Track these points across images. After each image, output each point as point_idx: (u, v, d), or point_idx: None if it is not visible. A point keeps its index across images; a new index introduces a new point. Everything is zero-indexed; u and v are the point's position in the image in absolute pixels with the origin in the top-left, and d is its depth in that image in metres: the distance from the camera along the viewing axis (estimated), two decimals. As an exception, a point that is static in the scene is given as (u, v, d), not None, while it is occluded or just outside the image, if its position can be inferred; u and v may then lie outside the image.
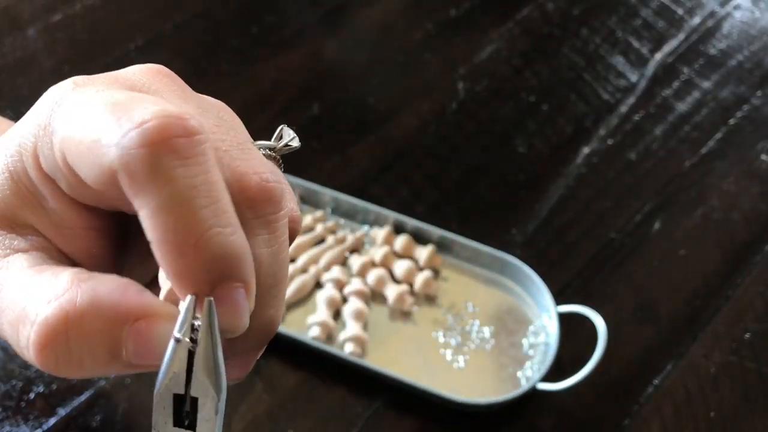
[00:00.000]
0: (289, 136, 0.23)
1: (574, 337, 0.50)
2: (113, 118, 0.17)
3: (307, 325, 0.50)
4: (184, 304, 0.18)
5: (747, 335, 0.53)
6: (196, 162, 0.17)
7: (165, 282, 0.19)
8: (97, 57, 0.65)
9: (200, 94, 0.22)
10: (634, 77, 0.68)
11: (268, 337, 0.21)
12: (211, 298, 0.18)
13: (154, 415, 0.18)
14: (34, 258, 0.20)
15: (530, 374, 0.49)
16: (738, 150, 0.64)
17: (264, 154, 0.22)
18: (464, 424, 0.48)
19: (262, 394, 0.48)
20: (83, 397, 0.47)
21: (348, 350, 0.48)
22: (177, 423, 0.18)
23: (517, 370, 0.49)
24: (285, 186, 0.20)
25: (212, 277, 0.17)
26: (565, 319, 0.50)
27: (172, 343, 0.18)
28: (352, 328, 0.49)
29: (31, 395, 0.46)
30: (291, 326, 0.50)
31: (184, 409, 0.18)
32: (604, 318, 0.47)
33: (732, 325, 0.53)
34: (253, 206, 0.19)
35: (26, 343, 0.18)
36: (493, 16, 0.72)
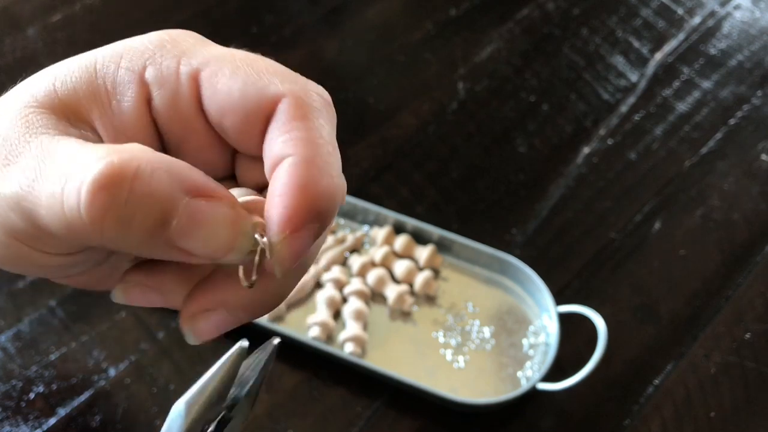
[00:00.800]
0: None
1: (574, 337, 0.50)
2: (281, 70, 0.21)
3: (307, 325, 0.50)
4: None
5: (747, 335, 0.53)
6: (332, 124, 0.21)
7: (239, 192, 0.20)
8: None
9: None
10: (634, 77, 0.68)
11: (332, 210, 0.21)
12: (276, 343, 0.20)
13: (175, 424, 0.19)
14: (86, 138, 0.20)
15: (530, 374, 0.49)
16: (738, 150, 0.64)
17: None
18: (464, 423, 0.48)
19: (262, 394, 0.48)
20: (83, 398, 0.47)
21: (348, 350, 0.48)
22: None
23: (517, 370, 0.49)
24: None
25: (316, 208, 0.19)
26: (565, 319, 0.50)
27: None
28: (352, 328, 0.49)
29: (31, 395, 0.46)
30: (291, 326, 0.50)
31: (208, 424, 0.20)
32: (604, 318, 0.47)
33: (732, 325, 0.53)
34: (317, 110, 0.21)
35: (76, 188, 0.17)
36: (493, 16, 0.72)
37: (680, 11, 0.74)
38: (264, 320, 0.49)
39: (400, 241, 0.53)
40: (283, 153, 0.19)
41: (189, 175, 0.18)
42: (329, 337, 0.50)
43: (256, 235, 0.19)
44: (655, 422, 0.48)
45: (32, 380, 0.47)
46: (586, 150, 0.62)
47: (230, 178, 0.23)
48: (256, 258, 0.19)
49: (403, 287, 0.51)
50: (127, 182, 0.17)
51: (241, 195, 0.20)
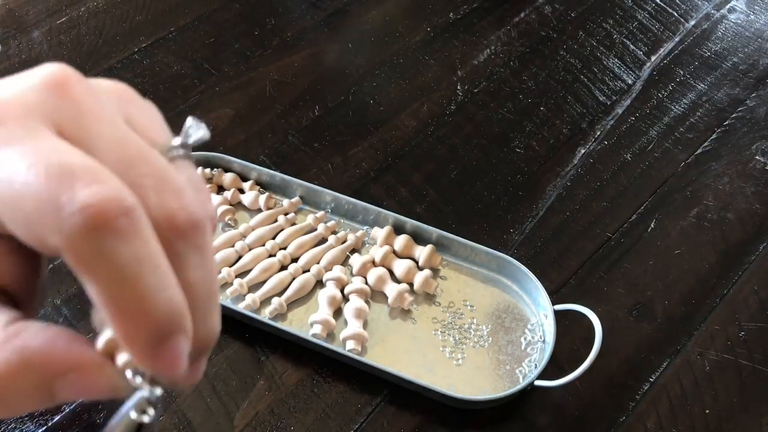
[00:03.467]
0: (197, 131, 0.22)
1: (571, 334, 0.51)
2: (54, 195, 0.18)
3: (309, 323, 0.50)
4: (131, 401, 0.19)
5: (742, 333, 0.53)
6: (136, 237, 0.18)
7: (102, 328, 0.20)
8: (102, 59, 0.66)
9: (98, 93, 0.21)
10: (629, 79, 0.69)
11: (214, 342, 0.22)
12: (159, 395, 0.19)
13: None
14: None
15: (527, 371, 0.49)
16: (732, 151, 0.64)
17: (177, 155, 0.22)
18: (463, 420, 0.48)
19: (264, 391, 0.48)
20: (88, 394, 0.47)
21: (349, 348, 0.49)
22: None
23: (515, 367, 0.50)
24: (205, 201, 0.21)
25: (160, 334, 0.19)
26: (561, 317, 0.50)
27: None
28: (352, 326, 0.50)
29: (37, 392, 0.47)
30: (293, 324, 0.50)
31: None
32: (600, 316, 0.48)
33: (727, 323, 0.54)
34: (184, 238, 0.20)
35: None
36: (491, 20, 0.72)
37: (675, 14, 0.75)
38: (266, 318, 0.50)
39: (400, 241, 0.54)
40: (95, 302, 0.19)
41: (50, 359, 0.19)
42: (330, 335, 0.50)
43: (129, 374, 0.19)
44: (650, 419, 0.49)
45: (38, 377, 0.48)
46: (582, 151, 0.63)
47: None
48: (142, 388, 0.19)
49: (403, 286, 0.52)
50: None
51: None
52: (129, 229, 0.18)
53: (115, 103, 0.21)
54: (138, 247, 0.18)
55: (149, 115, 0.22)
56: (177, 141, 0.22)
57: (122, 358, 0.19)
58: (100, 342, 0.20)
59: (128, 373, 0.19)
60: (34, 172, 0.18)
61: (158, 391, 0.19)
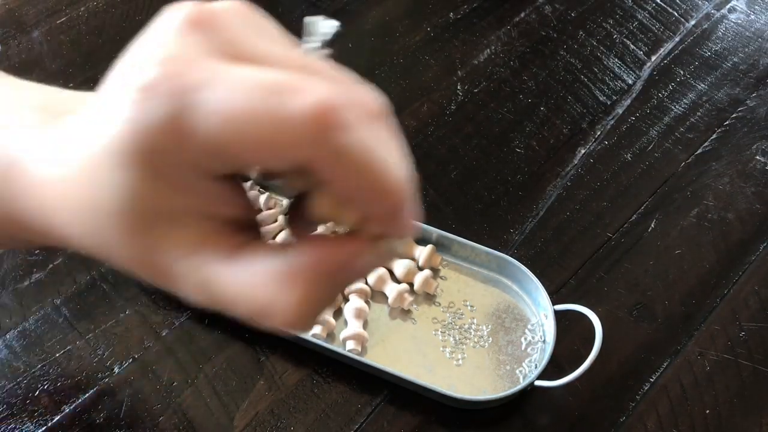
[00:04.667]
0: (326, 27, 0.23)
1: (571, 334, 0.51)
2: (289, 117, 0.19)
3: (308, 323, 0.50)
4: None
5: (742, 333, 0.53)
6: (356, 127, 0.20)
7: (343, 217, 0.22)
8: (102, 59, 0.66)
9: (233, 15, 0.23)
10: (630, 79, 0.69)
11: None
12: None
13: None
14: (215, 248, 0.22)
15: (528, 371, 0.49)
16: (733, 151, 0.64)
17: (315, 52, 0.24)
18: (463, 420, 0.48)
19: (264, 391, 0.48)
20: (88, 394, 0.47)
21: (349, 348, 0.49)
22: None
23: (515, 368, 0.50)
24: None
25: (401, 203, 0.22)
26: (562, 317, 0.50)
27: None
28: (352, 326, 0.50)
29: (37, 392, 0.47)
30: (292, 324, 0.50)
31: None
32: (600, 316, 0.48)
33: (727, 324, 0.54)
34: (380, 121, 0.22)
35: (280, 326, 0.22)
36: (491, 20, 0.72)
37: (676, 14, 0.75)
38: (266, 318, 0.50)
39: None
40: (342, 197, 0.22)
41: (338, 263, 0.22)
42: (330, 335, 0.50)
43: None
44: (650, 419, 0.49)
45: (37, 378, 0.48)
46: (582, 151, 0.63)
47: None
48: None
49: (403, 286, 0.52)
50: (313, 312, 0.22)
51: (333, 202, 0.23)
52: (352, 121, 0.20)
53: (247, 20, 0.23)
54: (363, 132, 0.20)
55: (272, 25, 0.24)
56: (311, 43, 0.23)
57: (375, 230, 0.22)
58: (348, 226, 0.22)
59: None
60: (257, 99, 0.19)
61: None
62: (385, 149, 0.21)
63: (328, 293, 0.22)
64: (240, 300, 0.22)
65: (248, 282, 0.21)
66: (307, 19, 0.23)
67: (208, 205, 0.22)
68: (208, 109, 0.19)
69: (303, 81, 0.20)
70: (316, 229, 0.24)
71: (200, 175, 0.21)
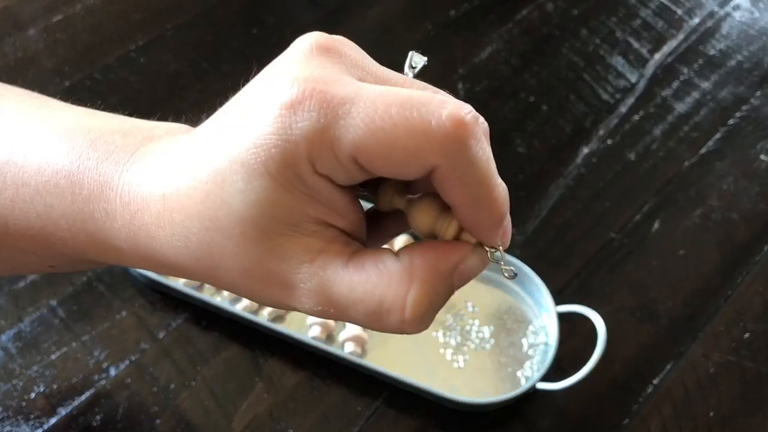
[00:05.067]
0: (419, 60, 0.27)
1: (574, 336, 0.50)
2: (426, 126, 0.22)
3: (308, 325, 0.50)
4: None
5: (746, 335, 0.53)
6: (484, 141, 0.23)
7: (443, 228, 0.25)
8: (98, 58, 0.65)
9: (348, 48, 0.26)
10: (633, 77, 0.68)
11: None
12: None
13: None
14: (335, 253, 0.24)
15: (530, 374, 0.49)
16: (737, 150, 0.64)
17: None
18: (464, 423, 0.48)
19: (262, 394, 0.48)
20: (84, 397, 0.47)
21: (348, 350, 0.48)
22: None
23: (517, 370, 0.49)
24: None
25: (504, 215, 0.24)
26: (564, 319, 0.50)
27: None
28: (352, 327, 0.49)
29: (32, 395, 0.47)
30: (291, 326, 0.50)
31: None
32: (603, 318, 0.47)
33: (731, 325, 0.53)
34: (486, 140, 0.25)
35: (397, 324, 0.24)
36: (492, 17, 0.72)
37: (679, 12, 0.74)
38: (264, 320, 0.49)
39: (400, 241, 0.54)
40: (453, 202, 0.24)
41: (448, 262, 0.24)
42: (329, 337, 0.50)
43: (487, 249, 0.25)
44: (654, 422, 0.48)
45: (33, 380, 0.47)
46: (585, 150, 0.63)
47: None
48: (499, 255, 0.25)
49: (403, 287, 0.51)
50: (430, 308, 0.24)
51: (433, 214, 0.25)
52: (481, 134, 0.23)
53: (360, 50, 0.26)
54: (487, 147, 0.23)
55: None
56: (409, 73, 0.27)
57: (472, 240, 0.25)
58: (448, 238, 0.25)
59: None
60: (399, 109, 0.22)
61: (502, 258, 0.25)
62: (495, 171, 0.24)
63: (443, 292, 0.24)
64: (359, 300, 0.23)
65: (368, 281, 0.23)
66: (410, 54, 0.27)
67: (332, 214, 0.24)
68: (354, 122, 0.22)
69: (435, 97, 0.22)
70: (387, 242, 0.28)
71: (332, 185, 0.23)
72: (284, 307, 0.25)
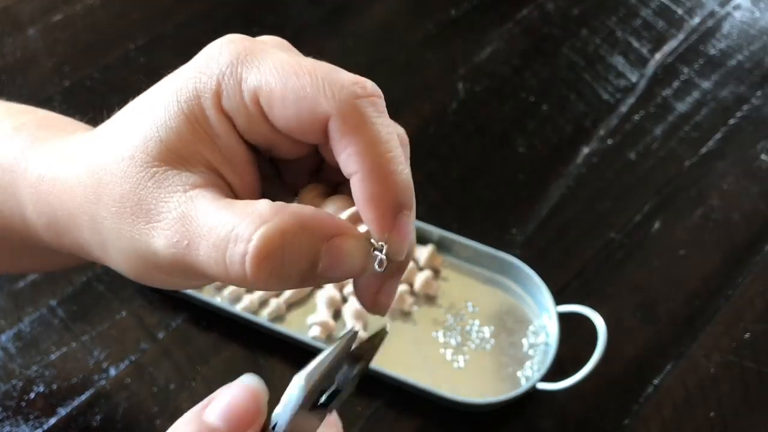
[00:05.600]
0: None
1: (574, 336, 0.50)
2: (327, 79, 0.23)
3: (308, 325, 0.50)
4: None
5: (747, 335, 0.53)
6: (385, 115, 0.23)
7: (342, 212, 0.24)
8: (98, 57, 0.65)
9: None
10: (634, 77, 0.68)
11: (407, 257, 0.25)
12: (356, 330, 0.24)
13: (290, 401, 0.23)
14: (212, 193, 0.23)
15: (530, 374, 0.49)
16: (738, 150, 0.64)
17: None
18: (464, 423, 0.48)
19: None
20: (83, 397, 0.47)
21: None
22: (312, 407, 0.24)
23: (517, 370, 0.49)
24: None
25: (400, 204, 0.23)
26: (565, 319, 0.50)
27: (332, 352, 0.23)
28: (352, 327, 0.49)
29: (32, 395, 0.47)
30: (291, 326, 0.50)
31: (321, 397, 0.24)
32: (603, 318, 0.47)
33: (732, 325, 0.53)
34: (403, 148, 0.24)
35: (239, 258, 0.21)
36: (493, 17, 0.72)
37: (680, 11, 0.74)
38: (264, 320, 0.49)
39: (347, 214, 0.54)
40: (348, 170, 0.23)
41: (321, 223, 0.22)
42: (329, 337, 0.50)
43: (373, 241, 0.23)
44: (654, 422, 0.48)
45: (33, 380, 0.47)
46: (585, 150, 0.63)
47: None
48: (382, 255, 0.23)
49: (403, 287, 0.51)
50: (279, 250, 0.21)
51: (340, 206, 0.24)
52: (383, 108, 0.23)
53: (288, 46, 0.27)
54: (388, 122, 0.23)
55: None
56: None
57: (361, 229, 0.23)
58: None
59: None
60: (309, 63, 0.23)
61: (385, 263, 0.23)
62: (400, 153, 0.23)
63: (300, 248, 0.22)
64: (213, 227, 0.22)
65: (230, 212, 0.22)
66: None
67: (225, 165, 0.24)
68: (264, 66, 0.23)
69: (347, 73, 0.23)
70: None
71: (233, 132, 0.23)
72: (142, 250, 0.24)
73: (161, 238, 0.23)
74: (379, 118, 0.23)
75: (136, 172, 0.23)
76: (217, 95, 0.23)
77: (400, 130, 0.25)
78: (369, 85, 0.23)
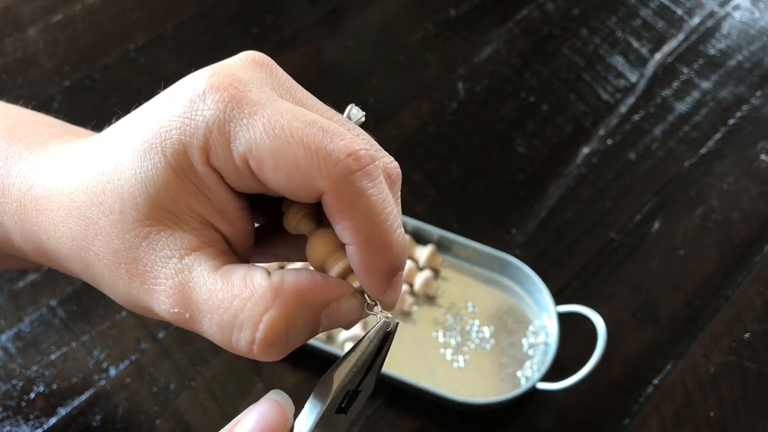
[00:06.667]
0: (357, 114, 0.26)
1: (574, 336, 0.50)
2: (321, 153, 0.22)
3: (307, 325, 0.50)
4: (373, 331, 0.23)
5: (746, 335, 0.53)
6: (379, 181, 0.23)
7: (332, 265, 0.24)
8: (98, 57, 0.65)
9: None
10: (633, 77, 0.68)
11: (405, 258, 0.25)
12: (386, 319, 0.23)
13: (317, 405, 0.23)
14: (208, 259, 0.23)
15: (530, 374, 0.49)
16: (737, 150, 0.64)
17: None
18: (464, 423, 0.48)
19: (262, 394, 0.48)
20: (83, 397, 0.47)
21: (348, 350, 0.48)
22: (338, 410, 0.23)
23: (517, 370, 0.49)
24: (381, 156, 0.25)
25: (396, 267, 0.23)
26: (564, 319, 0.50)
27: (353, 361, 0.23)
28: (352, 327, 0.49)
29: (32, 395, 0.47)
30: (291, 326, 0.50)
31: (345, 399, 0.24)
32: (603, 318, 0.47)
33: (731, 325, 0.53)
34: (393, 186, 0.24)
35: (245, 344, 0.22)
36: (492, 17, 0.72)
37: (680, 12, 0.74)
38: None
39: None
40: (344, 239, 0.23)
41: (320, 295, 0.23)
42: (329, 337, 0.50)
43: (368, 298, 0.24)
44: (654, 422, 0.48)
45: (33, 380, 0.47)
46: (585, 150, 0.63)
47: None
48: (377, 312, 0.24)
49: (404, 287, 0.51)
50: (285, 334, 0.22)
51: (329, 248, 0.24)
52: (377, 174, 0.22)
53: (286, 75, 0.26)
54: (383, 189, 0.23)
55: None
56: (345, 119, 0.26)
57: (355, 283, 0.23)
58: (333, 274, 0.23)
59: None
60: (302, 126, 0.22)
61: (388, 314, 0.24)
62: (396, 213, 0.23)
63: (305, 324, 0.22)
64: (216, 307, 0.22)
65: (230, 291, 0.22)
66: (350, 106, 0.26)
67: (217, 216, 0.23)
68: (254, 124, 0.22)
69: (340, 129, 0.23)
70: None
71: (223, 185, 0.23)
72: (141, 305, 0.24)
73: (161, 304, 0.23)
74: (375, 188, 0.22)
75: (127, 230, 0.23)
76: (205, 151, 0.22)
77: (388, 160, 0.24)
78: (363, 154, 0.22)
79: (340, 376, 0.23)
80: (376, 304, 0.23)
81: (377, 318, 0.23)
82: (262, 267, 0.23)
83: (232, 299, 0.22)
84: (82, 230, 0.24)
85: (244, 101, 0.22)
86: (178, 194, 0.23)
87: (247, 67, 0.24)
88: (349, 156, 0.22)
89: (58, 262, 0.26)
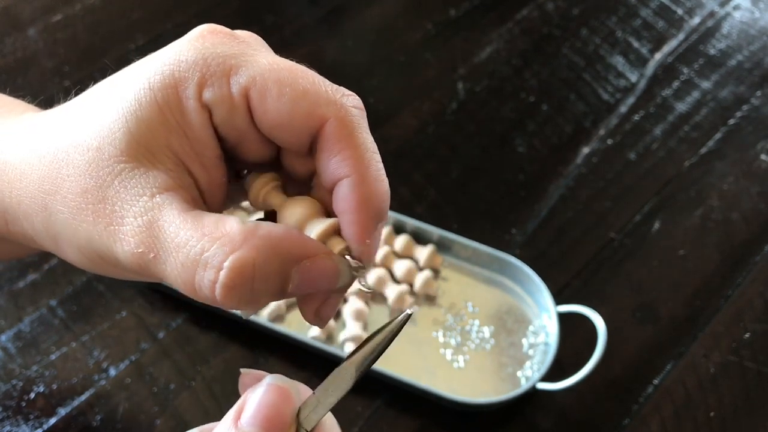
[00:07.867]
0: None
1: (574, 336, 0.50)
2: (329, 85, 0.23)
3: (308, 325, 0.50)
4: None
5: (746, 335, 0.53)
6: (364, 127, 0.24)
7: (313, 226, 0.23)
8: (98, 57, 0.65)
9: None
10: (633, 77, 0.68)
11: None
12: (410, 312, 0.23)
13: (334, 392, 0.23)
14: (179, 201, 0.22)
15: (530, 374, 0.49)
16: (737, 150, 0.64)
17: None
18: (464, 423, 0.48)
19: (262, 394, 0.48)
20: (83, 397, 0.47)
21: (348, 350, 0.48)
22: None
23: (517, 370, 0.49)
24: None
25: (382, 210, 0.23)
26: (564, 319, 0.50)
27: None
28: (352, 327, 0.49)
29: (32, 395, 0.47)
30: (291, 326, 0.50)
31: None
32: (603, 318, 0.47)
33: (731, 325, 0.53)
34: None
35: (209, 284, 0.21)
36: (492, 17, 0.72)
37: (680, 11, 0.74)
38: (264, 320, 0.49)
39: (400, 241, 0.54)
40: (339, 173, 0.23)
41: (291, 247, 0.22)
42: (329, 337, 0.50)
43: (348, 258, 0.23)
44: (654, 422, 0.48)
45: (33, 380, 0.47)
46: (585, 150, 0.63)
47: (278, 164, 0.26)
48: (364, 284, 0.23)
49: (403, 287, 0.51)
50: (249, 279, 0.21)
51: (308, 212, 0.23)
52: (365, 118, 0.23)
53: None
54: (374, 146, 0.24)
55: None
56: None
57: (338, 247, 0.23)
58: (313, 236, 0.23)
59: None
60: (304, 71, 0.23)
61: (370, 280, 0.23)
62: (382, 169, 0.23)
63: (272, 274, 0.21)
64: (182, 244, 0.21)
65: (199, 230, 0.21)
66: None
67: (195, 159, 0.23)
68: (259, 60, 0.22)
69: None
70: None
71: (208, 124, 0.23)
72: (101, 251, 0.23)
73: (125, 244, 0.22)
74: (367, 131, 0.24)
75: (101, 167, 0.22)
76: (200, 85, 0.22)
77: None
78: (358, 99, 0.24)
79: (360, 365, 0.23)
80: (363, 267, 0.23)
81: (389, 303, 0.23)
82: (236, 216, 0.23)
83: (201, 237, 0.21)
84: (53, 172, 0.23)
85: (246, 41, 0.23)
86: (158, 131, 0.22)
87: (244, 36, 0.25)
88: (349, 95, 0.23)
89: (15, 217, 0.25)
